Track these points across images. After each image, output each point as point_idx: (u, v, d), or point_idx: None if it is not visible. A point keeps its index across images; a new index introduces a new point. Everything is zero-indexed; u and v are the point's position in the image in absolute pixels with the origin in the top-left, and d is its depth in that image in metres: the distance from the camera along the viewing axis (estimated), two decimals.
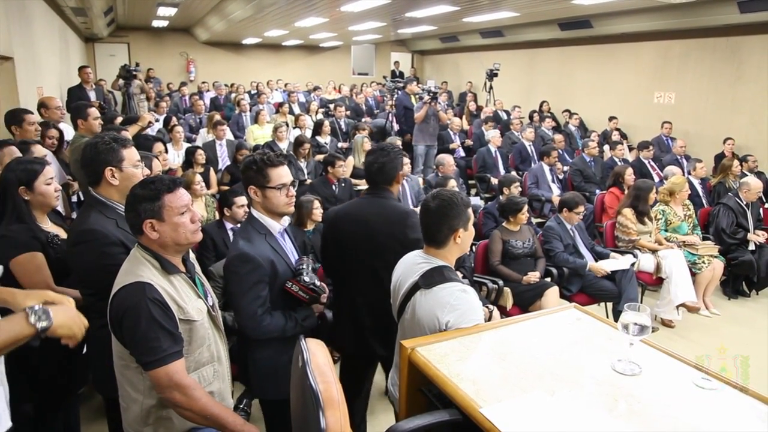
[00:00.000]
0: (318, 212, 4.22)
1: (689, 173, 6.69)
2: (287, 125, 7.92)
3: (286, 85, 14.35)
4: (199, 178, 4.80)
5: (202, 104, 9.74)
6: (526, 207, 4.21)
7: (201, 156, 5.79)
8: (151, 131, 6.39)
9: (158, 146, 4.51)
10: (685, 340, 4.60)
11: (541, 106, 11.40)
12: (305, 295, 2.23)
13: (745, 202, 5.53)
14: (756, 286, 5.53)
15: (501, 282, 3.94)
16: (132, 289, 1.78)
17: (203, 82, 13.90)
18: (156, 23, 13.94)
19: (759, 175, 7.17)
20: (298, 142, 6.40)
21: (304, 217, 4.24)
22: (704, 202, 6.37)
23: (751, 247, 5.41)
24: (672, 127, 9.22)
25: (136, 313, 1.75)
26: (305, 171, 6.24)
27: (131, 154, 2.29)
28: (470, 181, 8.16)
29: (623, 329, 1.70)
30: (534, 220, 5.89)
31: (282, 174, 2.25)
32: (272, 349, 2.27)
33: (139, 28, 15.02)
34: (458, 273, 3.76)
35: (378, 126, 9.04)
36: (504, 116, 10.88)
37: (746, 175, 6.41)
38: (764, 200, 6.70)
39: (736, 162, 6.81)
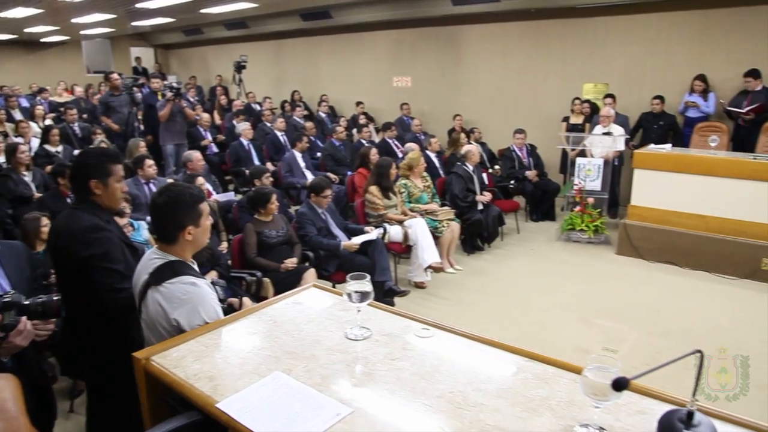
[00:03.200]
0: (47, 230, 3.76)
1: (426, 148, 7.43)
2: (5, 135, 6.86)
3: (2, 88, 12.36)
4: None
5: None
6: (275, 196, 4.25)
7: None
8: None
9: None
10: (436, 297, 5.14)
11: (292, 95, 11.60)
12: None
13: (471, 168, 6.34)
14: (487, 240, 6.42)
15: (259, 273, 3.94)
16: None
17: None
18: None
19: (483, 145, 8.29)
20: (10, 150, 5.55)
21: (31, 237, 3.76)
22: (441, 172, 7.13)
23: (480, 207, 6.23)
24: (410, 107, 10.18)
25: None
26: (31, 185, 5.47)
27: None
28: (227, 177, 8.00)
29: (348, 298, 1.83)
30: (293, 208, 6.00)
31: None
32: None
33: None
34: (213, 272, 3.71)
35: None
36: (257, 108, 10.84)
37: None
38: (487, 166, 7.77)
39: (463, 135, 7.74)
